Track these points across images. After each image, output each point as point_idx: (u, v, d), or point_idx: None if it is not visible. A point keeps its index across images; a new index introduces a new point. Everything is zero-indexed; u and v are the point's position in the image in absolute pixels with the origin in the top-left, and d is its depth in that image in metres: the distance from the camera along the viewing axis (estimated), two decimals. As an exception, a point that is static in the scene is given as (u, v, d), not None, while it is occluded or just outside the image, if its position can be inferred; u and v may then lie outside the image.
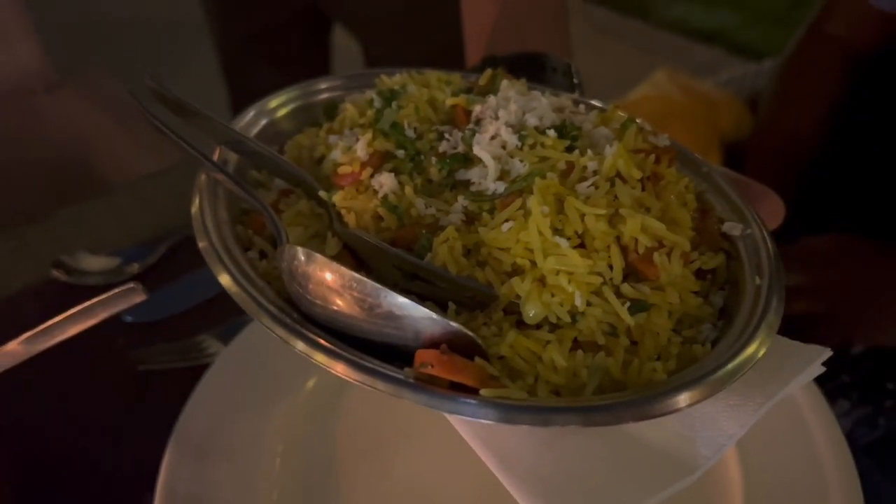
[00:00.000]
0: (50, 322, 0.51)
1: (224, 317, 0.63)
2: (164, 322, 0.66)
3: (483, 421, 0.33)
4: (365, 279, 0.35)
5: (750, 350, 0.36)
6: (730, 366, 0.35)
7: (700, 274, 0.41)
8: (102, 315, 0.50)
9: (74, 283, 0.68)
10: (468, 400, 0.33)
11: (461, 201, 0.41)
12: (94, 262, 0.70)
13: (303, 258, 0.36)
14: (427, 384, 0.34)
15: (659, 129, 0.45)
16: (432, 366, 0.34)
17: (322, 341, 0.36)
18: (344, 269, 0.35)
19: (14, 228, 0.78)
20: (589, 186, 0.39)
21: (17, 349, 0.51)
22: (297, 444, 0.54)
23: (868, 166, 0.92)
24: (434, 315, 0.34)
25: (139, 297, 0.50)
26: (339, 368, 0.35)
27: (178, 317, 0.66)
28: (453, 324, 0.34)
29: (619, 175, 0.40)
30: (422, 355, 0.35)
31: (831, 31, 0.91)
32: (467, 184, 0.42)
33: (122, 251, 0.71)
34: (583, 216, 0.38)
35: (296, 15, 1.19)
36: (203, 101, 0.48)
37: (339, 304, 0.36)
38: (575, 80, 0.59)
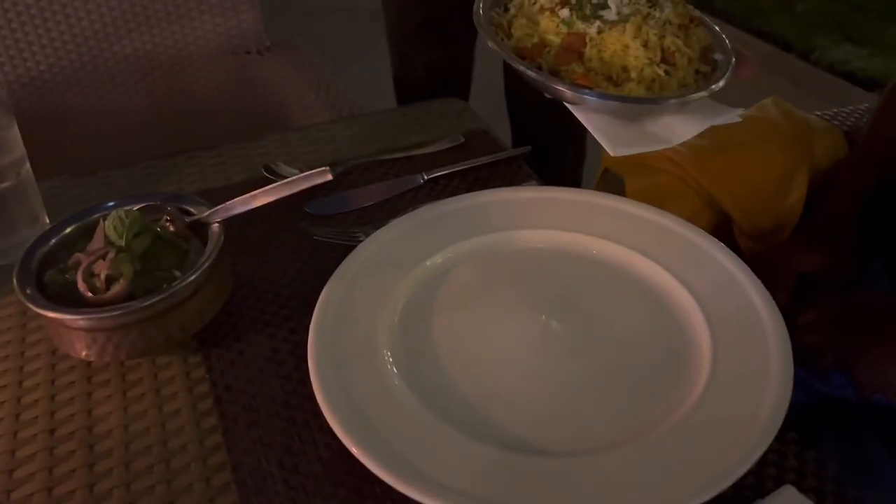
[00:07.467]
0: (263, 189, 0.77)
1: (375, 220, 0.90)
2: (334, 216, 0.94)
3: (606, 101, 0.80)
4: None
5: (706, 92, 0.82)
6: (702, 92, 0.82)
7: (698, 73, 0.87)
8: (302, 186, 0.76)
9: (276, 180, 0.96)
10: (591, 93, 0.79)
11: (597, 23, 0.85)
12: (290, 170, 0.99)
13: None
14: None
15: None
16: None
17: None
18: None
19: (236, 145, 1.09)
20: (654, 23, 0.85)
21: (235, 204, 0.78)
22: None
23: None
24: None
25: (327, 177, 0.75)
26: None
27: (344, 214, 0.94)
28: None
29: (668, 21, 0.86)
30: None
31: None
32: (601, 16, 0.86)
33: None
34: (648, 35, 0.83)
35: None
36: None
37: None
38: None
